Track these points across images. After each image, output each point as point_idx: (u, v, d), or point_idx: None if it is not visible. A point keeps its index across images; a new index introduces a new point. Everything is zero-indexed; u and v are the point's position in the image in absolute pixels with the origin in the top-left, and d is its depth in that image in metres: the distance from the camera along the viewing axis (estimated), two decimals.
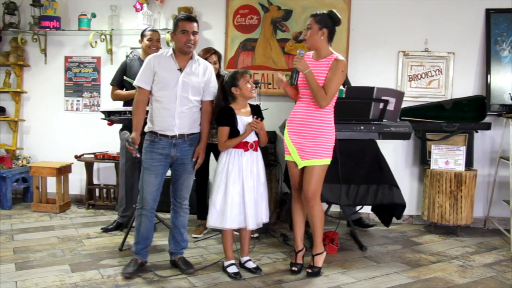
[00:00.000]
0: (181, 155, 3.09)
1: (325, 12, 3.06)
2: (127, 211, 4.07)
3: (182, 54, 3.05)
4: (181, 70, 3.03)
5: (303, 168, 3.14)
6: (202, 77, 3.10)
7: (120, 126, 4.07)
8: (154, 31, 4.06)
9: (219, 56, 3.94)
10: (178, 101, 3.01)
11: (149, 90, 3.05)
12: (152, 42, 3.99)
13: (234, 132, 3.08)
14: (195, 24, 3.04)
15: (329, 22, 3.04)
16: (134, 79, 3.86)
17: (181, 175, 3.16)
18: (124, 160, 4.03)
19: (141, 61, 4.03)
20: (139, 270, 3.13)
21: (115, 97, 4.14)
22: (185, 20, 3.02)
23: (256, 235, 3.87)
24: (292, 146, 3.14)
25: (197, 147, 3.15)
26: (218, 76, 3.91)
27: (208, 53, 3.84)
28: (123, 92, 4.04)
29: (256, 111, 3.19)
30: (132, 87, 3.88)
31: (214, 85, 3.17)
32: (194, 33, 3.03)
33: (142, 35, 4.05)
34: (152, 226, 3.17)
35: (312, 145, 3.07)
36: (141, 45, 4.09)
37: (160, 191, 3.14)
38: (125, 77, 3.98)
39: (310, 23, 3.05)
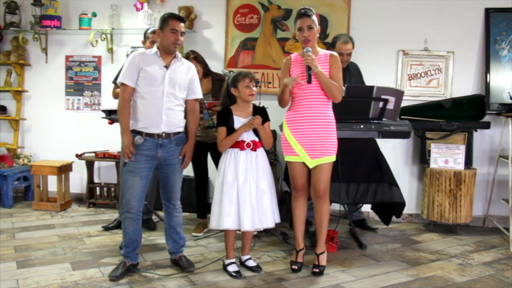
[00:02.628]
0: (167, 156, 3.08)
1: (311, 10, 3.11)
2: None
3: (166, 53, 3.05)
4: (166, 67, 3.03)
5: (308, 167, 3.15)
6: (187, 75, 3.11)
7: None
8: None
9: (194, 58, 3.87)
10: (165, 97, 3.00)
11: (134, 87, 3.02)
12: (153, 45, 3.97)
13: (231, 133, 3.09)
14: (183, 25, 3.06)
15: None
16: None
17: (170, 176, 3.14)
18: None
19: None
20: (127, 272, 3.09)
21: (116, 96, 4.14)
22: (176, 19, 3.02)
23: (255, 232, 3.88)
24: (300, 147, 3.13)
25: (184, 145, 3.14)
26: (210, 75, 3.92)
27: (187, 58, 3.82)
28: None
29: (261, 113, 3.17)
30: None
31: (197, 84, 3.19)
32: (182, 33, 3.04)
33: (146, 37, 4.04)
34: (139, 228, 3.13)
35: (321, 143, 3.09)
36: (144, 46, 4.08)
37: (145, 192, 3.12)
38: None
39: (311, 23, 3.07)
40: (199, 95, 3.22)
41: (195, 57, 3.91)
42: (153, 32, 4.01)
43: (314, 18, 3.08)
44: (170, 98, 3.02)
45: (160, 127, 3.02)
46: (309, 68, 3.06)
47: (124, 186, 3.08)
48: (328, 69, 3.09)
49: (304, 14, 3.08)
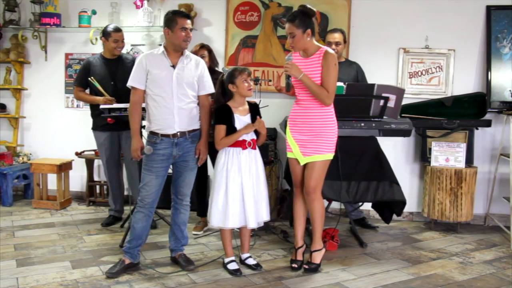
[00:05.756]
0: (183, 153, 3.09)
1: (297, 11, 3.01)
2: (117, 205, 4.25)
3: (176, 51, 3.04)
4: (174, 66, 3.02)
5: (305, 164, 3.15)
6: (195, 72, 3.08)
7: (90, 124, 4.19)
8: (119, 31, 4.01)
9: (208, 49, 3.95)
10: (175, 97, 3.00)
11: (143, 89, 3.04)
12: (117, 44, 3.99)
13: (231, 131, 3.07)
14: (190, 21, 3.05)
15: (307, 21, 2.99)
16: (97, 78, 3.92)
17: (182, 173, 3.16)
18: (106, 158, 4.15)
19: (103, 59, 4.06)
20: (125, 270, 3.08)
21: (78, 98, 4.18)
22: (184, 17, 3.01)
23: (252, 232, 3.87)
24: (294, 144, 3.15)
25: (198, 143, 3.14)
26: (213, 71, 3.92)
27: (197, 47, 3.88)
28: (87, 96, 4.08)
29: (255, 109, 3.18)
30: (96, 89, 3.92)
31: (207, 79, 3.15)
32: (191, 30, 3.05)
33: (107, 35, 3.98)
34: (147, 226, 3.14)
35: (315, 141, 3.08)
36: (105, 44, 4.04)
37: (161, 190, 3.13)
38: (90, 79, 3.97)
39: (292, 30, 2.98)
40: (210, 90, 3.16)
41: (209, 50, 3.96)
42: (116, 30, 3.98)
43: (299, 21, 2.95)
44: (180, 98, 3.01)
45: (173, 127, 3.01)
46: (288, 77, 3.05)
47: (140, 184, 3.10)
48: (321, 70, 3.03)
49: (287, 20, 3.03)
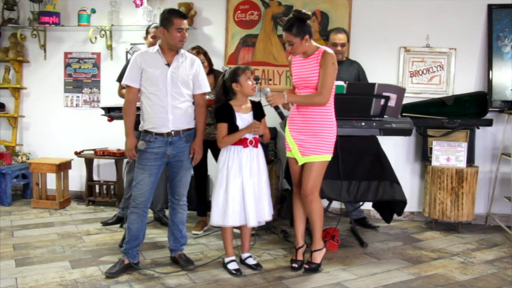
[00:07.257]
0: (177, 152, 3.06)
1: (292, 18, 3.00)
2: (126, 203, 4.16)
3: (171, 50, 3.02)
4: (168, 65, 3.00)
5: (303, 164, 3.14)
6: (190, 70, 3.06)
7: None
8: (155, 27, 4.06)
9: (204, 53, 3.94)
10: (170, 96, 2.98)
11: (138, 88, 3.02)
12: (156, 40, 4.00)
13: (232, 129, 3.06)
14: (186, 21, 3.02)
15: (304, 27, 2.98)
16: None
17: (178, 173, 3.14)
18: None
19: None
20: (124, 270, 3.06)
21: (122, 95, 4.15)
22: (180, 17, 2.98)
23: (253, 231, 3.85)
24: (293, 143, 3.14)
25: (192, 142, 3.12)
26: (213, 72, 3.91)
27: (193, 52, 3.84)
28: None
29: (257, 108, 3.17)
30: None
31: (203, 78, 3.13)
32: (186, 30, 3.02)
33: (146, 32, 4.10)
34: (143, 225, 3.13)
35: (313, 141, 3.07)
36: (146, 42, 4.13)
37: (154, 189, 3.11)
38: None
39: (289, 39, 2.99)
40: (206, 89, 3.15)
41: (204, 53, 3.95)
42: (155, 27, 4.05)
43: (296, 30, 2.95)
44: (175, 96, 2.99)
45: (168, 126, 3.00)
46: (276, 107, 3.11)
47: (133, 183, 3.07)
48: (319, 69, 3.02)
49: (283, 29, 3.02)
